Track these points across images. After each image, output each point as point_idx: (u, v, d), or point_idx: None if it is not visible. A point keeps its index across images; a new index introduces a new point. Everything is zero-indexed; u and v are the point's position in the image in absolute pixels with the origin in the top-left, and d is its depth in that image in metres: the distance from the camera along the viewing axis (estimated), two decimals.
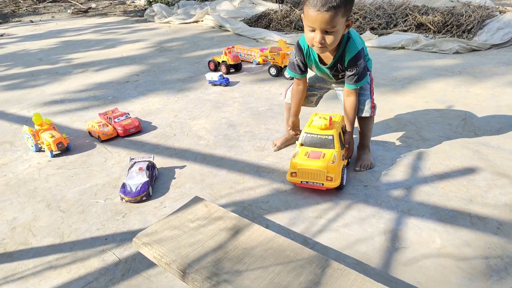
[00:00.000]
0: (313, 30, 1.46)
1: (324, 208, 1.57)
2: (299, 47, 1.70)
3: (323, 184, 1.58)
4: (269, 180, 1.79)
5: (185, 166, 1.95)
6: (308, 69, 1.81)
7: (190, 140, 2.22)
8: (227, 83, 3.05)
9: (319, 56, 1.69)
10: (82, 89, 3.22)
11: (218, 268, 1.10)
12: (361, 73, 1.66)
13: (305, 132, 1.67)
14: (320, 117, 1.69)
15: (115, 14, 7.31)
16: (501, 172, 1.73)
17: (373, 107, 1.79)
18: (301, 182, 1.62)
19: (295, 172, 1.61)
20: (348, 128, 1.77)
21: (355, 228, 1.45)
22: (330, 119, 1.67)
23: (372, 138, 2.06)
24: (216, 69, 3.43)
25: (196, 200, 1.45)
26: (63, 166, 2.02)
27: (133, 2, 8.22)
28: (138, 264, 1.34)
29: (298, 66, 1.74)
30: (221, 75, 3.04)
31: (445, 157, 1.87)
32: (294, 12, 5.09)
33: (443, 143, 2.00)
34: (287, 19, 5.00)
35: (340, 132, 1.69)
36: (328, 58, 1.68)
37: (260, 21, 5.23)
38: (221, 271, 1.09)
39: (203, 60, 3.86)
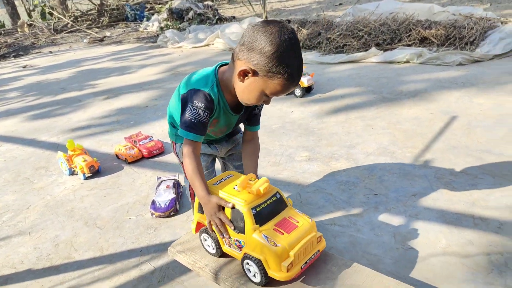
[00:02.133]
0: (270, 96, 1.26)
1: (337, 216, 1.70)
2: (209, 102, 1.29)
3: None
4: (285, 192, 1.94)
5: None
6: None
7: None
8: None
9: (232, 104, 1.38)
10: (105, 115, 3.44)
11: None
12: None
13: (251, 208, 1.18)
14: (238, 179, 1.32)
15: (129, 42, 7.66)
16: (502, 177, 1.84)
17: None
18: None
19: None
20: (255, 172, 1.47)
21: (367, 232, 1.58)
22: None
23: (379, 148, 2.21)
24: None
25: None
26: (95, 187, 2.20)
27: (146, 29, 8.59)
28: (172, 271, 1.50)
29: (206, 124, 1.32)
30: None
31: (449, 164, 2.00)
32: (301, 32, 5.30)
33: (448, 151, 2.13)
34: None
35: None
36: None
37: None
38: None
39: None
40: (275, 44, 1.12)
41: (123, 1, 10.62)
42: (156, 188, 1.99)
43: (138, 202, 2.00)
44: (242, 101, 1.30)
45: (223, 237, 1.26)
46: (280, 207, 1.24)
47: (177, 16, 8.24)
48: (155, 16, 8.90)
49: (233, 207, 1.21)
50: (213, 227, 1.28)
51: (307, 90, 3.33)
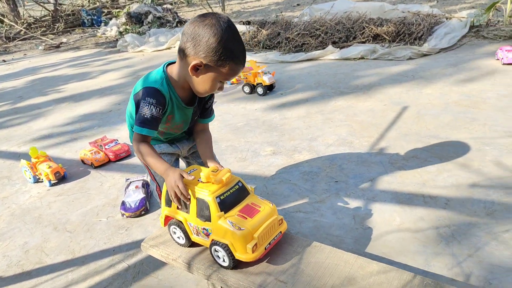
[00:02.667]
0: (223, 82, 1.37)
1: (302, 204, 1.81)
2: (160, 97, 1.35)
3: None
4: (252, 184, 2.02)
5: None
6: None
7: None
8: None
9: (185, 98, 1.46)
10: (67, 122, 3.39)
11: None
12: None
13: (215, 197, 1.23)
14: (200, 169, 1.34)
15: (87, 47, 7.49)
16: (449, 159, 2.02)
17: None
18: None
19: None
20: (213, 159, 1.53)
21: (329, 216, 1.70)
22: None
23: (338, 140, 2.36)
24: None
25: None
26: (62, 193, 2.19)
27: (104, 34, 8.41)
28: (146, 267, 1.54)
29: (159, 119, 1.38)
30: None
31: (402, 150, 2.16)
32: (261, 32, 5.42)
33: (400, 139, 2.30)
34: (255, 39, 5.32)
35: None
36: (195, 95, 1.47)
37: None
38: None
39: None
40: (218, 35, 1.22)
41: (79, 6, 10.34)
42: (125, 189, 2.01)
43: (108, 205, 2.02)
44: (198, 93, 1.39)
45: (181, 206, 1.31)
46: (243, 195, 1.32)
47: (136, 20, 8.14)
48: (113, 20, 8.74)
49: (194, 178, 1.27)
50: (175, 195, 1.28)
51: (269, 88, 3.44)
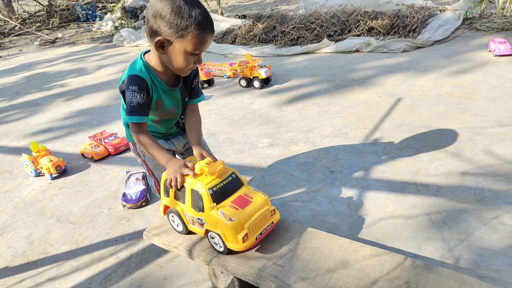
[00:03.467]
0: (197, 54, 1.31)
1: (298, 193, 1.87)
2: (141, 82, 1.36)
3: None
4: (249, 175, 2.07)
5: None
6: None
7: None
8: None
9: (168, 81, 1.46)
10: (66, 117, 3.42)
11: None
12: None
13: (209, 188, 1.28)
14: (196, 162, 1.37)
15: (83, 42, 7.47)
16: (441, 148, 2.08)
17: None
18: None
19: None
20: (198, 145, 1.50)
21: (325, 205, 1.75)
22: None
23: (334, 131, 2.41)
24: None
25: None
26: (64, 186, 2.24)
27: (99, 29, 8.39)
28: (148, 255, 1.60)
29: (147, 105, 1.39)
30: None
31: (395, 141, 2.22)
32: (256, 26, 5.44)
33: (394, 129, 2.35)
34: (251, 33, 5.34)
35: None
36: (178, 76, 1.49)
37: (226, 37, 5.55)
38: None
39: None
40: (169, 4, 1.21)
41: (73, 1, 10.28)
42: (126, 181, 2.06)
43: (109, 197, 2.06)
44: (176, 71, 1.38)
45: (178, 189, 1.34)
46: (237, 186, 1.35)
47: (131, 14, 8.12)
48: (108, 15, 8.72)
49: (193, 166, 1.33)
50: (172, 183, 1.32)
51: (266, 82, 3.48)
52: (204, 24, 1.25)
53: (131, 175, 2.10)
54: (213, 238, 1.31)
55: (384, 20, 4.55)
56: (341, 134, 2.39)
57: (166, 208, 1.45)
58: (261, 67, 3.47)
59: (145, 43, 6.18)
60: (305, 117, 2.71)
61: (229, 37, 5.49)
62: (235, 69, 3.69)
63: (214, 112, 3.04)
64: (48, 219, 1.94)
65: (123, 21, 7.99)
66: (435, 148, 2.09)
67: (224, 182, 1.33)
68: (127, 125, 1.60)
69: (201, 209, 1.30)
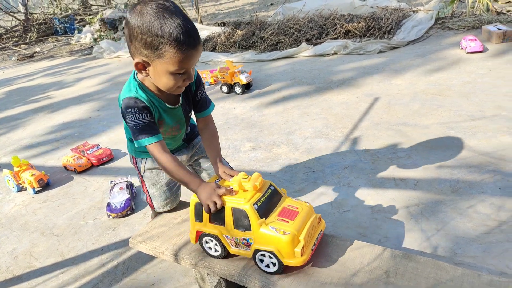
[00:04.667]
0: (183, 72, 1.17)
1: None
2: (140, 103, 1.24)
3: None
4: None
5: None
6: None
7: None
8: None
9: (166, 99, 1.33)
10: (48, 131, 3.39)
11: None
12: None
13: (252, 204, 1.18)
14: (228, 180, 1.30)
15: (62, 56, 7.41)
16: (418, 143, 2.15)
17: None
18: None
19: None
20: (220, 162, 1.39)
21: None
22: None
23: (315, 132, 2.46)
24: None
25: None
26: (47, 200, 2.22)
27: (78, 41, 8.33)
28: (135, 263, 1.60)
29: (153, 123, 1.28)
30: None
31: (374, 139, 2.28)
32: (236, 33, 5.50)
33: (372, 128, 2.42)
34: (231, 40, 5.39)
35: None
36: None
37: (206, 44, 5.59)
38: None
39: None
40: (140, 20, 1.06)
41: (50, 15, 10.18)
42: (110, 191, 2.06)
43: (93, 207, 2.06)
44: (167, 91, 1.24)
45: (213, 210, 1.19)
46: (277, 198, 1.27)
47: (110, 26, 8.09)
48: (87, 27, 8.66)
49: (231, 191, 1.21)
50: (211, 207, 1.19)
51: (247, 87, 3.52)
52: (183, 39, 1.06)
53: (115, 184, 2.11)
54: (262, 258, 1.19)
55: (360, 22, 4.66)
56: (322, 135, 2.45)
57: (198, 233, 1.30)
58: (242, 72, 3.51)
59: (125, 54, 6.17)
60: (286, 120, 2.76)
61: (209, 44, 5.53)
62: (216, 75, 3.72)
63: None
64: (32, 233, 1.92)
65: (102, 33, 7.95)
66: (411, 143, 2.16)
67: (265, 196, 1.23)
68: (129, 139, 1.49)
69: (247, 228, 1.18)
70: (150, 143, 1.25)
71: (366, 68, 3.63)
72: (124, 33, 1.17)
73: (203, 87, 1.43)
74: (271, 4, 9.03)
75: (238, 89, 3.47)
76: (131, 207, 1.94)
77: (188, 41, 1.08)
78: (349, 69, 3.67)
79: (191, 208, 1.29)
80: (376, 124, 2.46)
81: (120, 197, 1.97)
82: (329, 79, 3.49)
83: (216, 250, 1.28)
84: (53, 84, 5.17)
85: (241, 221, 1.19)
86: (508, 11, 4.53)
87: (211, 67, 4.65)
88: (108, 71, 5.41)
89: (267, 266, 1.19)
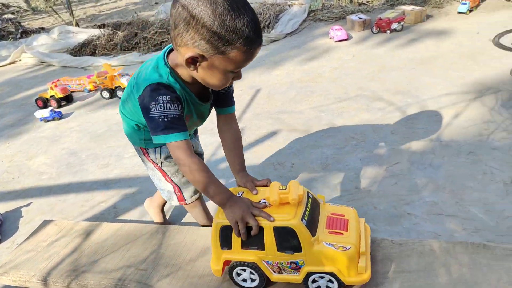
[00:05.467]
0: (237, 70, 1.05)
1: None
2: (173, 91, 1.06)
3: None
4: (117, 189, 2.00)
5: (31, 203, 2.00)
6: None
7: (31, 178, 2.25)
8: (60, 116, 3.07)
9: (198, 93, 1.17)
10: None
11: (76, 265, 1.30)
12: None
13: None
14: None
15: None
16: (294, 129, 2.29)
17: None
18: None
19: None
20: (243, 171, 1.27)
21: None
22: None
23: (200, 128, 2.45)
24: (45, 105, 3.38)
25: (45, 223, 1.58)
26: None
27: None
28: None
29: (180, 117, 1.07)
30: (51, 110, 3.05)
31: (255, 128, 2.37)
32: (117, 35, 5.22)
33: (254, 118, 2.51)
34: (112, 42, 5.10)
35: None
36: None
37: (85, 49, 5.20)
38: (79, 266, 1.29)
39: (30, 100, 3.72)
40: (210, 10, 0.90)
41: None
42: None
43: None
44: (209, 87, 1.10)
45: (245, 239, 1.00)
46: (317, 207, 1.07)
47: None
48: None
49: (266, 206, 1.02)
50: (241, 231, 0.99)
51: None
52: (253, 37, 0.94)
53: None
54: (317, 281, 1.01)
55: None
56: (207, 131, 2.46)
57: (226, 263, 1.06)
58: (123, 75, 3.35)
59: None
60: None
61: (87, 48, 5.17)
62: (94, 81, 3.49)
63: (75, 129, 2.84)
64: None
65: None
66: (289, 129, 2.29)
67: (308, 207, 1.02)
68: (136, 126, 1.28)
69: (296, 249, 0.97)
70: (178, 140, 1.04)
71: None
72: (172, 14, 0.95)
73: (232, 83, 1.20)
74: (156, 3, 8.77)
75: (120, 93, 3.30)
76: None
77: (257, 38, 0.96)
78: None
79: (214, 233, 1.05)
80: (258, 114, 2.56)
81: None
82: None
83: (253, 280, 1.07)
84: None
85: (287, 242, 0.98)
86: (368, 1, 5.09)
87: (90, 72, 4.34)
88: None
89: None
